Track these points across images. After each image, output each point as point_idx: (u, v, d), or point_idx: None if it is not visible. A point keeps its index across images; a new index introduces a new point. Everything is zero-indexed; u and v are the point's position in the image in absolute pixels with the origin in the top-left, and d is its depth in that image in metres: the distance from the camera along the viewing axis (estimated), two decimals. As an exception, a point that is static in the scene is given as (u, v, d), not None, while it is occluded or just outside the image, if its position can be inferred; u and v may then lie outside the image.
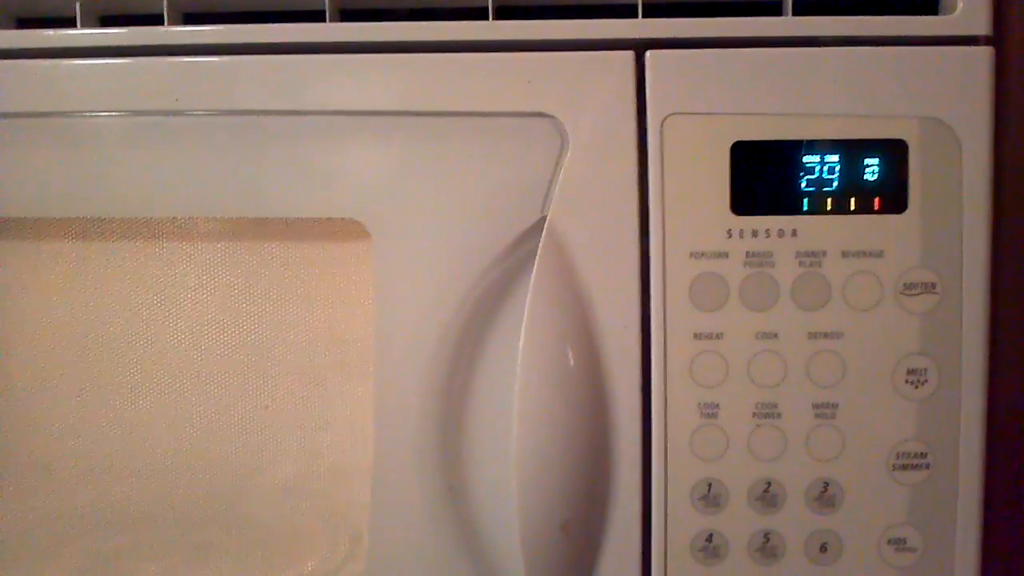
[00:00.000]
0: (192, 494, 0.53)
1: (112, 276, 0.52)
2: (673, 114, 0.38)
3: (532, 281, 0.39)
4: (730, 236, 0.39)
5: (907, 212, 0.39)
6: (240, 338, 0.50)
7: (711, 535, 0.40)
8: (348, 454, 0.52)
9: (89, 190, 0.42)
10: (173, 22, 0.41)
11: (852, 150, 0.39)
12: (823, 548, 0.39)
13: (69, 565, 0.53)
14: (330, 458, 0.54)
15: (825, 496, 0.39)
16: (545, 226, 0.39)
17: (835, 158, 0.39)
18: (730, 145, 0.39)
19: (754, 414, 0.39)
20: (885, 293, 0.39)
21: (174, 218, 0.46)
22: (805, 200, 0.39)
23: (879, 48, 0.38)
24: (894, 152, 0.39)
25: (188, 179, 0.41)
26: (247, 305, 0.50)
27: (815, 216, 0.39)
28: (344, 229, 0.41)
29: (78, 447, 0.54)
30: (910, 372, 0.39)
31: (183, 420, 0.54)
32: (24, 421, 0.54)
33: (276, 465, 0.54)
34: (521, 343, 0.39)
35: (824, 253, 0.39)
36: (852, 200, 0.39)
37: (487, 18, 0.40)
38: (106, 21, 0.43)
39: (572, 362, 0.39)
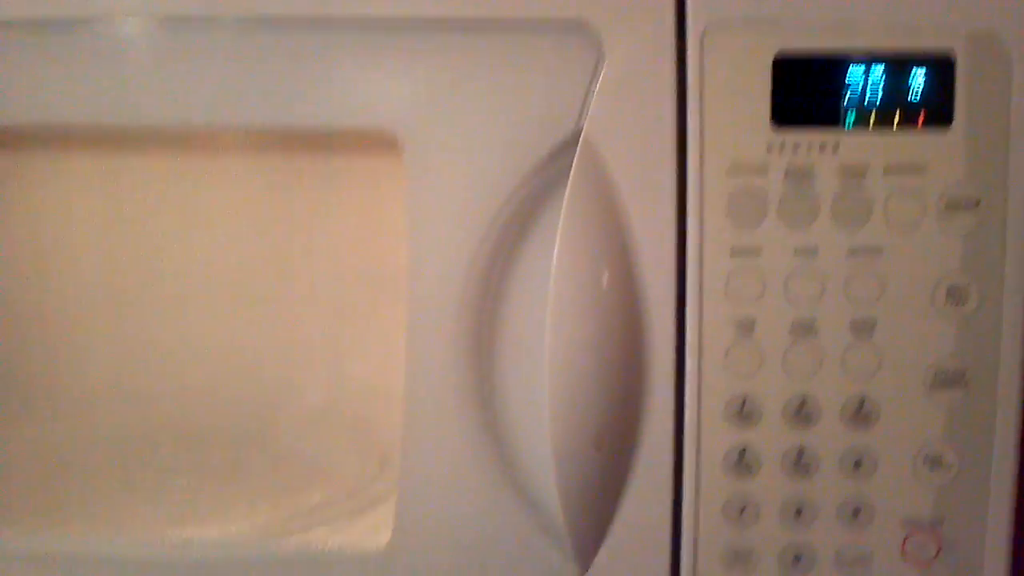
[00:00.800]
0: (223, 415, 0.54)
1: (139, 193, 0.52)
2: (714, 25, 0.38)
3: (566, 195, 0.38)
4: (770, 150, 0.38)
5: (952, 128, 0.38)
6: (271, 255, 0.50)
7: (744, 451, 0.40)
8: (379, 376, 0.53)
9: (114, 98, 0.42)
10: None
11: (897, 64, 0.38)
12: (857, 464, 0.39)
13: (108, 481, 0.54)
14: (361, 380, 0.54)
15: (860, 413, 0.39)
16: (580, 139, 0.38)
17: (880, 71, 0.38)
18: (772, 57, 0.38)
19: (790, 331, 0.39)
20: (927, 210, 0.38)
21: (203, 131, 0.46)
22: (848, 114, 0.38)
23: (928, -44, 0.37)
24: (941, 66, 0.38)
25: (216, 88, 0.40)
26: (278, 222, 0.50)
27: (858, 131, 0.38)
28: (376, 142, 0.41)
29: (110, 369, 0.55)
30: (950, 290, 0.39)
31: (214, 341, 0.54)
32: (58, 343, 0.55)
33: (308, 385, 0.54)
34: (554, 260, 0.39)
35: (866, 169, 0.38)
36: (896, 115, 0.38)
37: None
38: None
39: (606, 280, 0.39)
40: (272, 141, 0.46)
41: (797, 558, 0.40)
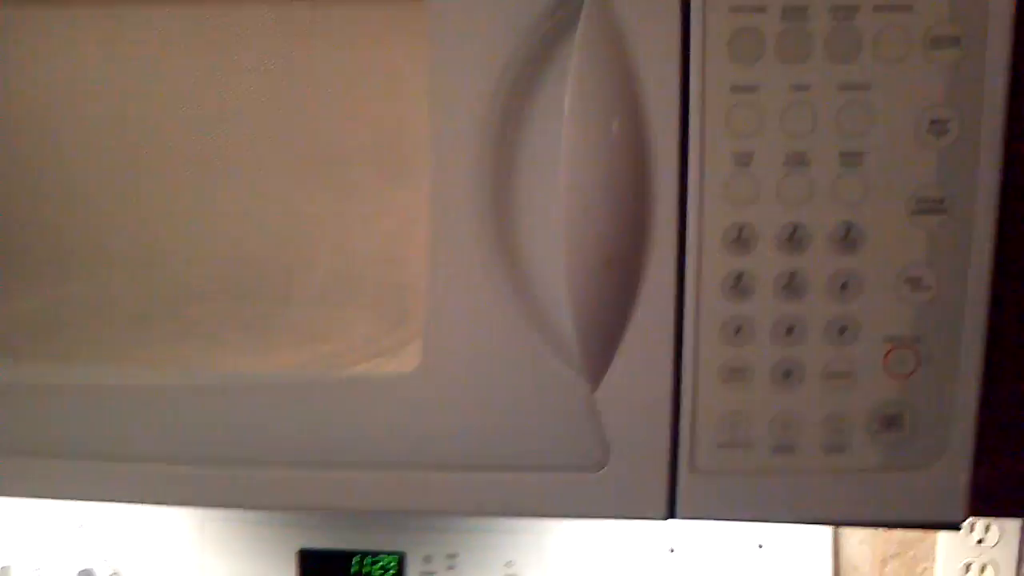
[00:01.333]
0: (241, 275, 0.57)
1: (151, 46, 0.52)
2: None
3: (578, 34, 0.41)
4: (768, -9, 0.41)
5: (939, -33, 0.41)
6: (286, 110, 0.52)
7: (740, 274, 0.43)
8: (396, 241, 0.56)
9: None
10: None
11: (889, -94, 0.40)
12: (844, 286, 0.43)
13: (131, 333, 0.57)
14: (379, 245, 0.57)
15: (847, 239, 0.43)
16: (592, -18, 0.41)
17: (872, -86, 0.40)
18: (771, -99, 0.40)
19: (784, 163, 0.42)
20: (913, 47, 0.41)
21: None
22: (841, -44, 0.41)
23: None
24: (929, -92, 0.40)
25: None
26: (294, 75, 0.52)
27: (850, -29, 0.41)
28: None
29: (126, 228, 0.57)
30: (933, 122, 0.42)
31: (229, 201, 0.56)
32: (74, 202, 0.57)
33: (324, 250, 0.57)
34: (568, 98, 0.42)
35: (857, 8, 0.41)
36: (888, -44, 0.41)
37: None
38: None
39: (616, 117, 0.42)
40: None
41: (787, 373, 0.44)
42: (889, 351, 0.44)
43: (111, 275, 0.58)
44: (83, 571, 0.84)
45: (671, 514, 0.47)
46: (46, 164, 0.57)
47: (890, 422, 0.45)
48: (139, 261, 0.57)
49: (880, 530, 0.79)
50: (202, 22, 0.52)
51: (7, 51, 0.54)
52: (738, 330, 0.44)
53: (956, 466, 0.45)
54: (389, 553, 0.79)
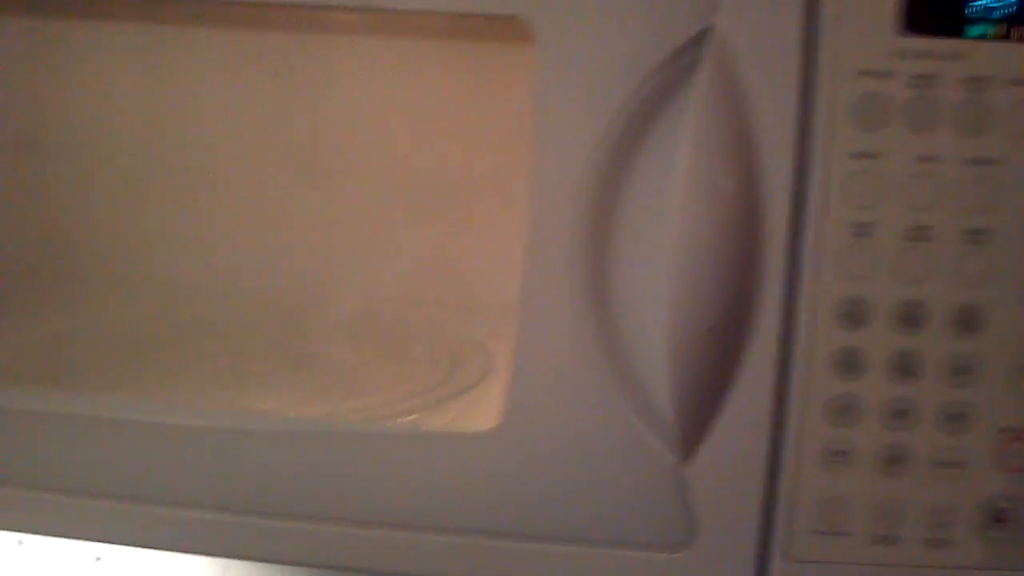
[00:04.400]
0: (280, 310, 0.55)
1: (202, 67, 0.51)
2: (852, -73, 0.38)
3: (699, 91, 0.39)
4: (896, 57, 0.39)
5: (1078, 43, 0.39)
6: (377, 141, 0.50)
7: (850, 351, 0.41)
8: (451, 283, 0.54)
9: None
10: None
11: (1027, -23, 0.39)
12: (960, 371, 0.41)
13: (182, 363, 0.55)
14: (437, 286, 0.55)
15: (967, 321, 0.40)
16: (712, 36, 0.39)
17: (1010, -16, 0.39)
18: (906, -36, 0.39)
19: (904, 236, 0.40)
20: (1047, 123, 0.39)
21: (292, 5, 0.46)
22: (975, 25, 0.39)
23: None
24: (1070, -19, 0.39)
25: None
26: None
27: (983, 42, 0.39)
28: (498, 29, 0.41)
29: (154, 259, 0.55)
30: (1065, 203, 0.39)
31: (265, 235, 0.54)
32: (92, 226, 0.55)
33: (370, 288, 0.55)
34: (684, 157, 0.40)
35: (989, 80, 0.39)
36: (1019, 29, 0.39)
37: None
38: None
39: (730, 176, 0.40)
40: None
41: (894, 459, 0.41)
42: (1003, 443, 0.41)
43: (138, 306, 0.56)
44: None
45: (755, 603, 0.44)
46: (81, 181, 0.55)
47: (998, 517, 0.42)
48: (165, 292, 0.56)
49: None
50: (265, 45, 0.50)
51: (42, 64, 0.52)
52: (844, 410, 0.41)
53: (1064, 569, 0.42)
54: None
